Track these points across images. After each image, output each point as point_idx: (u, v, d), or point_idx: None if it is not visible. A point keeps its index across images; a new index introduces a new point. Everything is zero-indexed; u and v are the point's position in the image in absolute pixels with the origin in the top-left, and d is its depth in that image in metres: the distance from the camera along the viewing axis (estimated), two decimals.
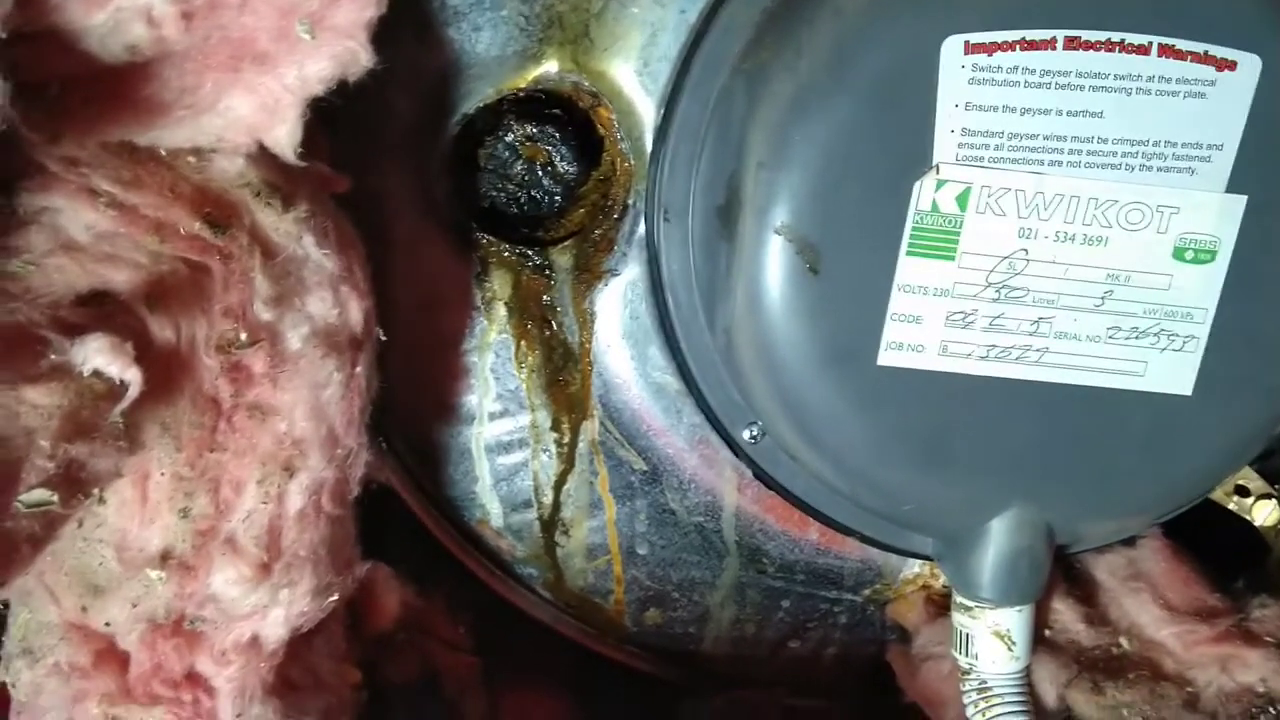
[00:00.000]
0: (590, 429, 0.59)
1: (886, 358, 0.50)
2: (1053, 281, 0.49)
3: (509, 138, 0.55)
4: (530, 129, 0.55)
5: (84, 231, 0.40)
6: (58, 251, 0.40)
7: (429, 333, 0.59)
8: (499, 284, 0.58)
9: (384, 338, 0.50)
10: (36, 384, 0.39)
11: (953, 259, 0.48)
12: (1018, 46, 0.46)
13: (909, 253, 0.48)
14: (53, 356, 0.39)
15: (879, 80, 0.46)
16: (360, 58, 0.38)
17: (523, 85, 0.54)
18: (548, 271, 0.57)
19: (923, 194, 0.47)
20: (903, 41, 0.46)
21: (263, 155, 0.43)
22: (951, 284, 0.49)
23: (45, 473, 0.38)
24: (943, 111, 0.46)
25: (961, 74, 0.46)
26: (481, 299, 0.58)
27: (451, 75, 0.54)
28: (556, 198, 0.56)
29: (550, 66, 0.53)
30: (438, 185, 0.55)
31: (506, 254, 0.57)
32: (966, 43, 0.46)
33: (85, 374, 0.40)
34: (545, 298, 0.58)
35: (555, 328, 0.58)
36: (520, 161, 0.56)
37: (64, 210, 0.40)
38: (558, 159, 0.56)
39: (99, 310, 0.41)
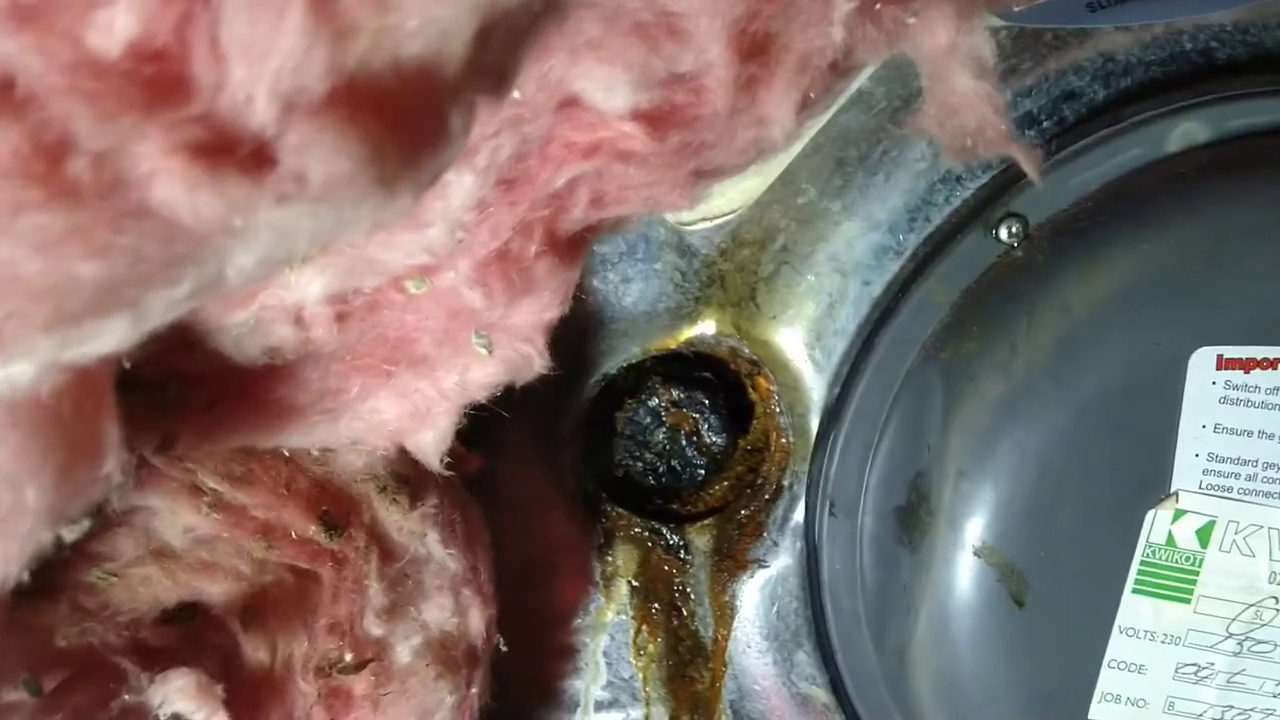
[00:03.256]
0: None
1: (1100, 711, 0.41)
2: None
3: (652, 402, 0.49)
4: (677, 393, 0.48)
5: (180, 536, 0.34)
6: (147, 559, 0.33)
7: (537, 603, 0.51)
8: (624, 559, 0.50)
9: (504, 648, 0.42)
10: None
11: (1188, 602, 0.41)
12: None
13: (1135, 590, 0.41)
14: (126, 696, 0.32)
15: (1112, 391, 0.40)
16: (535, 363, 0.32)
17: (673, 346, 0.48)
18: (683, 553, 0.50)
19: (1156, 524, 0.40)
20: (1144, 349, 0.39)
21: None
22: (1184, 630, 0.41)
23: None
24: (1187, 432, 0.39)
25: (1212, 391, 0.39)
26: (601, 574, 0.50)
27: (593, 329, 0.48)
28: (699, 470, 0.49)
29: (706, 328, 0.47)
30: (567, 449, 0.49)
31: (637, 528, 0.50)
32: (1220, 357, 0.39)
33: (164, 717, 0.32)
34: (677, 581, 0.50)
35: (686, 616, 0.50)
36: (663, 429, 0.49)
37: (160, 511, 0.33)
38: (705, 428, 0.49)
39: (186, 629, 0.34)
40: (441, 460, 0.34)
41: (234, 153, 0.18)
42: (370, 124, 0.18)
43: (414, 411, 0.32)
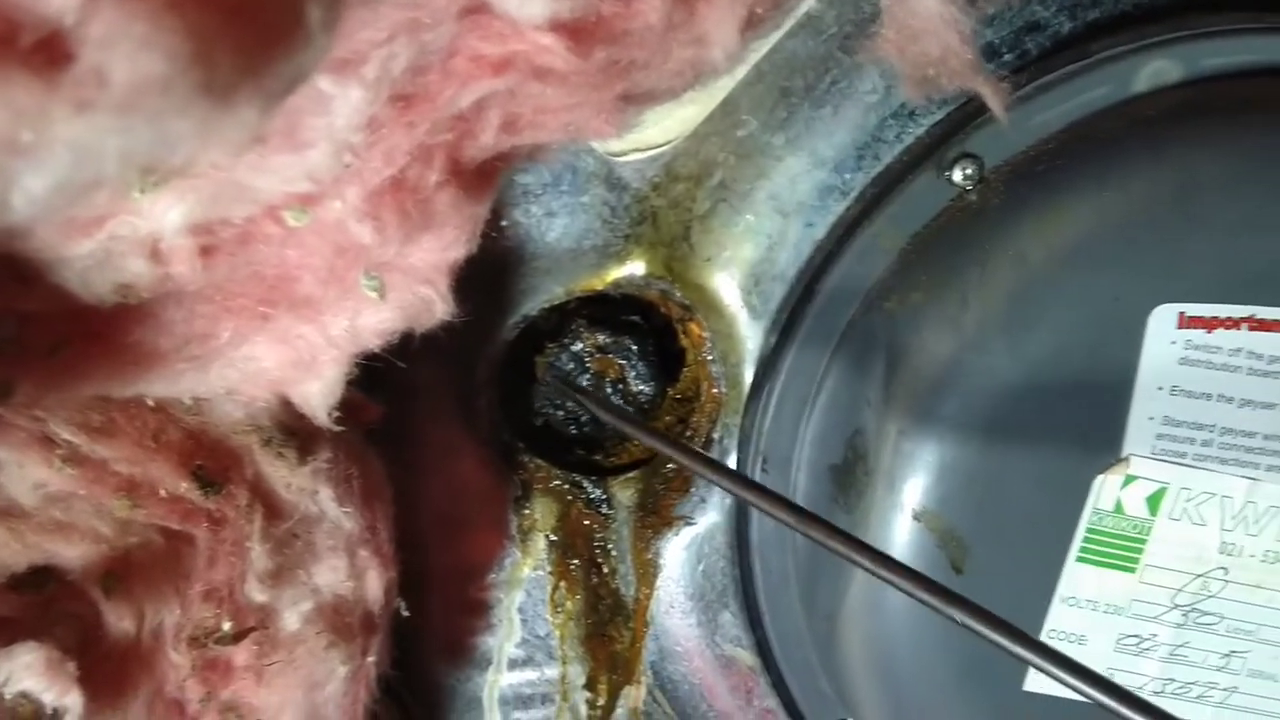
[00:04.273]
0: (634, 696, 0.48)
1: (1036, 682, 0.39)
2: (1253, 609, 0.39)
3: (576, 347, 0.45)
4: (602, 338, 0.45)
5: (30, 493, 0.30)
6: None
7: (449, 557, 0.48)
8: (542, 513, 0.47)
9: (405, 613, 0.39)
10: None
11: (1133, 571, 0.39)
12: (1245, 325, 0.36)
13: (1079, 559, 0.38)
14: None
15: (1066, 348, 0.37)
16: (436, 308, 0.28)
17: (599, 287, 0.44)
18: (605, 507, 0.47)
19: (1105, 490, 0.38)
20: (1101, 305, 0.37)
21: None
22: (1128, 601, 0.39)
23: None
24: (1142, 393, 0.37)
25: (1171, 351, 0.37)
26: (518, 527, 0.47)
27: (513, 266, 0.44)
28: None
29: (635, 268, 0.44)
30: (482, 394, 0.45)
31: (556, 480, 0.47)
32: (1182, 314, 0.36)
33: (9, 695, 0.29)
34: (598, 537, 0.47)
35: (606, 574, 0.47)
36: (586, 375, 0.46)
37: (5, 465, 0.29)
38: (632, 376, 0.46)
39: (37, 596, 0.31)
40: (330, 414, 0.30)
41: (18, 45, 0.14)
42: (196, 12, 0.14)
43: (297, 360, 0.28)
